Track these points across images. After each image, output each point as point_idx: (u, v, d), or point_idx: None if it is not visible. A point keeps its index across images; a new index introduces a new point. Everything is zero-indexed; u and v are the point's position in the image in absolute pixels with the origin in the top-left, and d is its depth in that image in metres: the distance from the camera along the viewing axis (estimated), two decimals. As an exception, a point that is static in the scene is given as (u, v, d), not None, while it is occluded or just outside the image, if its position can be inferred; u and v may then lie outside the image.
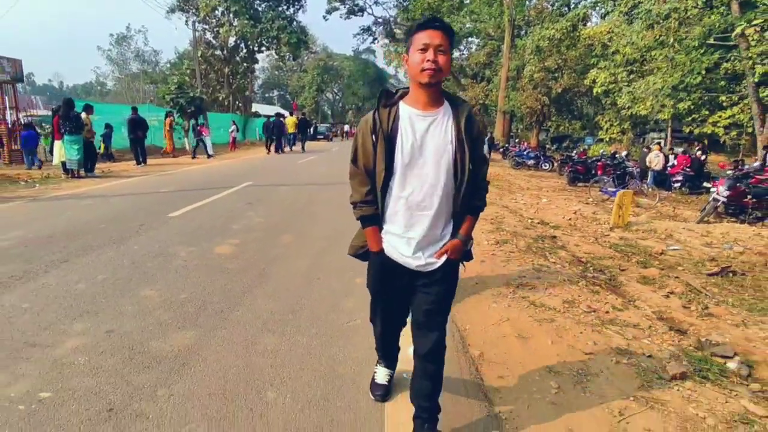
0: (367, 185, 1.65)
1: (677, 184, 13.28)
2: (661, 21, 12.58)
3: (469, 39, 36.30)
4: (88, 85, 68.22)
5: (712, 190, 9.36)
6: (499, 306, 3.32)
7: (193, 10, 29.19)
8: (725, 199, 8.39)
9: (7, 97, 15.11)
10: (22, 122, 12.18)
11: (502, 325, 3.01)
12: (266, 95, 51.31)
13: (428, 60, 1.48)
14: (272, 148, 19.37)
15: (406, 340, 1.96)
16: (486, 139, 2.05)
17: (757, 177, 8.83)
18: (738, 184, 8.57)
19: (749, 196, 8.29)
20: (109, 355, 2.32)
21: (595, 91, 19.04)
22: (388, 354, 2.04)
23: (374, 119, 1.58)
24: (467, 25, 34.02)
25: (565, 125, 33.38)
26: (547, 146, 27.79)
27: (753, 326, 3.44)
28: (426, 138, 1.55)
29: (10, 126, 13.27)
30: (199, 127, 17.10)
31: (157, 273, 3.56)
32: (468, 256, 1.76)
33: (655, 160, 14.19)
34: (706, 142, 16.57)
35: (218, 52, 29.87)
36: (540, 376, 2.39)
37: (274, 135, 19.02)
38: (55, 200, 6.59)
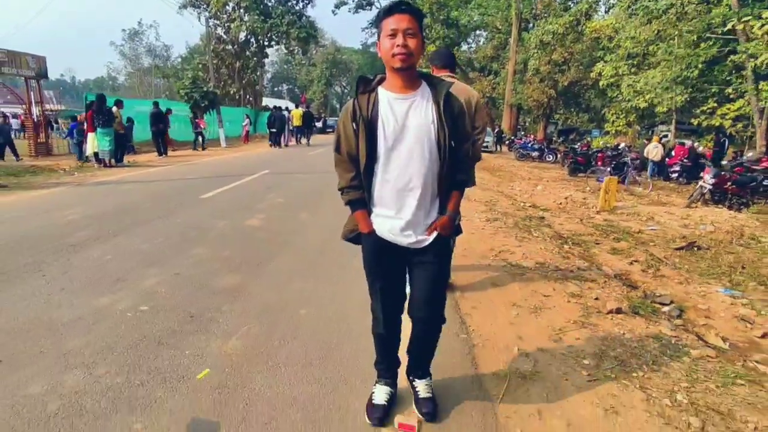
0: (352, 171, 1.70)
1: (674, 174, 13.84)
2: (660, 16, 13.08)
3: (477, 32, 36.75)
4: (99, 80, 69.53)
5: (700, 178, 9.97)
6: (480, 265, 4.07)
7: (205, 6, 30.01)
8: (711, 187, 9.01)
9: (32, 93, 16.10)
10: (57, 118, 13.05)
11: (481, 278, 3.76)
12: (275, 89, 52.25)
13: (398, 45, 1.51)
14: (281, 142, 19.32)
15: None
16: (495, 132, 2.42)
17: (741, 167, 9.41)
18: (723, 173, 9.19)
19: (732, 184, 8.90)
20: (181, 288, 3.13)
21: (601, 84, 19.52)
22: (387, 358, 1.97)
23: (354, 106, 1.63)
24: (475, 18, 34.49)
25: (573, 118, 33.84)
26: (554, 139, 28.30)
27: (696, 285, 4.17)
28: (407, 120, 1.60)
29: (35, 120, 14.23)
30: (196, 120, 17.28)
31: (202, 238, 4.38)
32: (457, 230, 1.85)
33: (653, 151, 14.74)
34: (730, 133, 16.82)
35: (229, 47, 30.67)
36: (504, 307, 3.15)
37: (275, 128, 18.86)
38: (97, 185, 7.48)
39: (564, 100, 29.51)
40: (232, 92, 30.82)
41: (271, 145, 18.56)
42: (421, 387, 1.96)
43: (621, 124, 23.43)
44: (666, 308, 3.53)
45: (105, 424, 1.77)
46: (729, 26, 10.85)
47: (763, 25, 9.27)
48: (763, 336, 3.17)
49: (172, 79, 39.14)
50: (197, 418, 1.81)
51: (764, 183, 9.14)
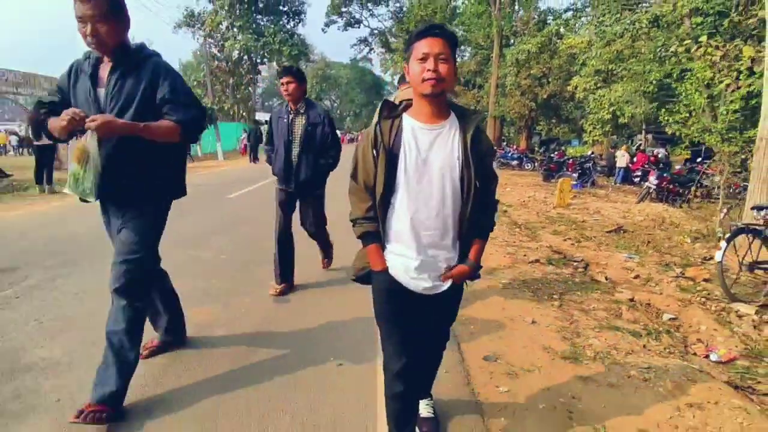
0: (367, 201, 1.60)
1: (637, 179, 15.67)
2: (616, 38, 15.02)
3: (462, 48, 39.02)
4: (88, 96, 70.50)
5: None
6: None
7: (199, 25, 31.75)
8: (655, 187, 10.76)
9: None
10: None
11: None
12: (266, 103, 54.00)
13: (428, 69, 1.44)
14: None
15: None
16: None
17: (679, 169, 11.21)
18: (664, 175, 10.97)
19: (673, 184, 10.67)
20: (239, 251, 4.65)
21: (577, 96, 21.51)
22: (405, 411, 1.74)
23: (375, 133, 1.54)
24: (459, 34, 36.78)
25: (555, 129, 36.03)
26: (536, 149, 30.31)
27: (605, 252, 5.79)
28: (431, 152, 1.52)
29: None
30: None
31: (240, 224, 5.93)
32: (475, 275, 1.70)
33: (620, 158, 16.65)
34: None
35: (223, 64, 32.36)
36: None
37: (250, 142, 18.72)
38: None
39: (544, 112, 31.61)
40: (226, 108, 32.40)
41: (251, 161, 18.23)
42: (423, 407, 1.97)
43: (597, 134, 25.49)
44: (575, 263, 5.14)
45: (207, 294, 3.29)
46: (672, 48, 12.77)
47: (700, 47, 11.14)
48: (636, 277, 4.78)
49: (165, 95, 40.51)
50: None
51: (701, 182, 10.93)
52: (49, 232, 5.37)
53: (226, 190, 8.83)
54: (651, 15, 14.37)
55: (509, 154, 21.63)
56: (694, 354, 3.14)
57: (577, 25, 23.16)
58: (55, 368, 2.34)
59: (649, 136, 27.94)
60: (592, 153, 20.36)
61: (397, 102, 1.64)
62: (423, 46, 1.45)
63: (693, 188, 9.82)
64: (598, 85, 17.99)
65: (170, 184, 2.22)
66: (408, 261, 1.58)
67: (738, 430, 2.12)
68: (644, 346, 3.06)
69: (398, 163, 1.51)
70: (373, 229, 1.61)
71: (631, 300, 3.99)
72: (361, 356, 2.61)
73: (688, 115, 8.25)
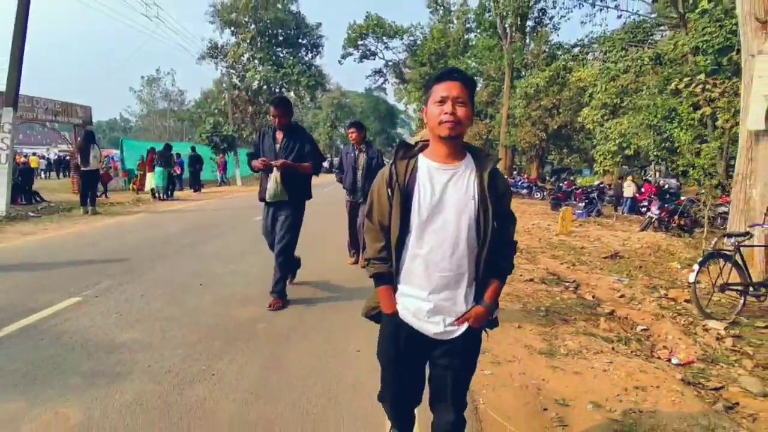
0: (381, 241, 1.62)
1: (644, 209, 16.17)
2: (620, 74, 15.88)
3: (474, 78, 40.44)
4: (112, 122, 73.67)
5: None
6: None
7: (222, 57, 33.72)
8: (656, 216, 11.32)
9: (79, 137, 18.93)
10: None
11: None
12: (282, 130, 55.92)
13: (446, 112, 1.47)
14: None
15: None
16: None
17: (681, 200, 11.77)
18: (666, 205, 11.53)
19: (674, 215, 11.22)
20: (269, 265, 5.39)
21: (586, 127, 22.31)
22: (401, 425, 1.88)
23: (391, 172, 1.56)
24: (472, 66, 38.25)
25: (566, 158, 36.75)
26: (547, 178, 30.97)
27: (597, 274, 6.39)
28: (446, 192, 1.52)
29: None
30: (175, 165, 15.40)
31: (260, 249, 6.67)
32: (493, 323, 1.66)
33: (627, 188, 17.24)
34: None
35: (243, 93, 34.09)
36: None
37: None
38: (166, 213, 9.88)
39: (555, 142, 32.41)
40: (245, 135, 33.91)
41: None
42: None
43: (607, 164, 26.15)
44: (567, 284, 5.77)
45: (248, 298, 4.00)
46: (672, 86, 13.54)
47: (698, 84, 11.88)
48: (621, 297, 5.37)
49: (186, 122, 42.81)
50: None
51: (687, 213, 11.46)
52: (102, 246, 6.20)
53: (251, 213, 9.67)
54: (653, 53, 15.25)
55: (519, 183, 22.32)
56: (658, 357, 3.74)
57: (586, 59, 24.20)
58: (140, 346, 3.08)
59: (662, 167, 28.44)
60: (601, 183, 21.02)
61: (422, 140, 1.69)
62: (441, 90, 1.50)
63: (676, 217, 10.38)
64: (606, 117, 18.78)
65: (307, 192, 4.23)
66: (420, 303, 1.56)
67: (670, 404, 2.74)
68: (613, 348, 3.67)
69: (413, 202, 1.52)
70: (385, 270, 1.62)
71: (611, 314, 4.60)
72: (374, 344, 3.28)
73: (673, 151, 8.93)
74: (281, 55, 33.91)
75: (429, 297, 1.55)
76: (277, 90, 34.85)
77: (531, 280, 5.46)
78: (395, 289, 1.64)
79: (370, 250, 1.65)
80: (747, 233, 5.27)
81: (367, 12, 37.89)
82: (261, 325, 3.58)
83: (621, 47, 17.71)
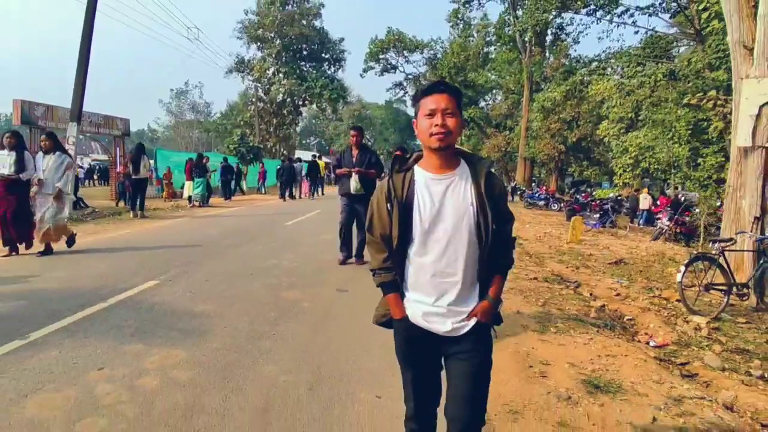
0: (384, 252, 1.70)
1: (658, 221, 16.61)
2: (635, 90, 16.47)
3: (493, 92, 41.26)
4: (140, 132, 76.75)
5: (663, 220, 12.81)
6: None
7: (248, 71, 35.36)
8: (667, 227, 11.85)
9: (118, 148, 20.41)
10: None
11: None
12: (303, 141, 57.63)
13: (436, 124, 1.53)
14: (287, 194, 18.15)
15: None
16: (511, 185, 2.65)
17: (689, 211, 12.28)
18: (676, 217, 12.06)
19: (683, 225, 11.74)
20: (305, 262, 6.27)
21: (605, 140, 22.80)
22: None
23: (389, 186, 1.63)
24: (492, 78, 39.08)
25: (587, 171, 37.02)
26: (566, 190, 31.35)
27: (598, 277, 7.07)
28: (444, 201, 1.59)
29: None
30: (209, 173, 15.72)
31: (299, 245, 7.59)
32: (497, 319, 1.74)
33: (643, 201, 17.70)
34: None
35: (268, 106, 35.63)
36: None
37: (290, 180, 18.18)
38: (205, 217, 10.96)
39: (575, 154, 32.81)
40: (269, 146, 35.37)
41: (282, 198, 17.41)
42: None
43: (627, 177, 26.49)
44: (569, 283, 6.48)
45: (295, 283, 4.87)
46: (685, 101, 14.08)
47: (709, 100, 12.46)
48: (617, 295, 6.06)
49: (212, 133, 44.79)
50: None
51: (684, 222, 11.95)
52: (159, 244, 7.21)
53: (282, 219, 10.69)
54: (666, 69, 15.82)
55: (536, 195, 22.88)
56: (638, 341, 4.45)
57: (605, 73, 24.77)
58: (214, 314, 3.98)
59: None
60: (619, 195, 21.38)
61: None
62: (430, 103, 1.56)
63: (677, 226, 10.92)
64: (622, 130, 19.29)
65: (373, 189, 5.47)
66: (426, 308, 1.64)
67: (632, 367, 3.47)
68: (598, 331, 4.40)
69: (413, 214, 1.58)
70: (391, 278, 1.70)
71: (602, 307, 5.31)
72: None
73: (672, 165, 9.53)
74: (305, 69, 35.37)
75: (437, 303, 1.63)
76: (300, 103, 36.31)
77: (535, 278, 6.21)
78: (402, 296, 1.71)
79: (374, 261, 1.74)
80: (731, 239, 5.92)
81: (389, 27, 39.21)
82: (305, 303, 4.45)
83: (636, 62, 18.31)
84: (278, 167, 19.13)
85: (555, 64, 31.96)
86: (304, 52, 35.64)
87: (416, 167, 1.65)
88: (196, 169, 12.95)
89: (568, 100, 22.21)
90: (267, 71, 34.70)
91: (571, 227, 10.54)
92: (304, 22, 34.45)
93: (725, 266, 5.69)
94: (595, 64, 22.73)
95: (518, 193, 28.99)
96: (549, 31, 29.12)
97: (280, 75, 34.66)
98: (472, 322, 1.64)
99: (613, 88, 17.18)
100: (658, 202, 17.60)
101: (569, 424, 2.62)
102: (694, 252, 7.30)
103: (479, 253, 1.60)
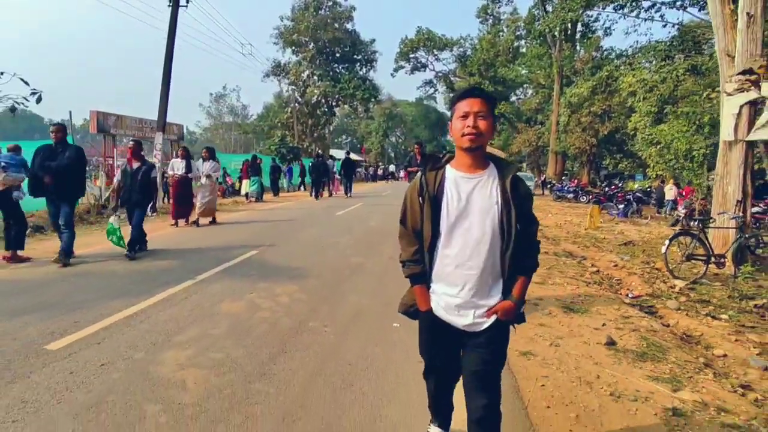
0: (415, 245, 1.87)
1: (676, 210, 17.53)
2: (658, 84, 17.42)
3: (524, 86, 42.06)
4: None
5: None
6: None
7: (284, 74, 37.68)
8: (683, 216, 12.97)
9: (175, 152, 22.94)
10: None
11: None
12: (335, 140, 59.97)
13: (469, 126, 1.70)
14: (324, 192, 18.27)
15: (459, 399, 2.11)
16: (542, 178, 3.34)
17: (703, 201, 13.33)
18: (692, 205, 13.15)
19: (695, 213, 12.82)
20: (359, 241, 8.04)
21: (631, 134, 23.62)
22: (441, 411, 2.17)
23: (421, 182, 1.82)
24: (522, 73, 39.94)
25: (621, 163, 37.39)
26: (598, 183, 32.03)
27: (603, 253, 8.50)
28: (471, 198, 1.75)
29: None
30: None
31: (352, 230, 9.38)
32: (520, 318, 1.86)
33: (668, 192, 18.62)
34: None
35: (303, 108, 37.86)
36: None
37: (321, 177, 17.76)
38: (265, 210, 13.01)
39: (607, 147, 33.36)
40: (305, 146, 37.60)
41: (315, 197, 17.19)
42: None
43: (659, 168, 27.04)
44: (575, 257, 7.98)
45: (349, 251, 6.62)
46: (704, 95, 15.03)
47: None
48: (615, 266, 7.51)
49: (250, 135, 47.74)
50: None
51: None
52: (240, 231, 9.17)
53: (332, 210, 12.63)
54: (687, 64, 16.73)
55: (565, 188, 23.97)
56: (619, 294, 5.96)
57: (632, 65, 25.44)
58: (308, 270, 5.80)
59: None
60: (649, 187, 22.22)
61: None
62: (464, 106, 1.74)
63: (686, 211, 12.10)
64: (648, 124, 20.18)
65: None
66: (450, 299, 1.81)
67: (603, 304, 5.02)
68: (587, 285, 5.94)
69: (442, 208, 1.76)
70: (420, 270, 1.87)
71: (597, 271, 6.82)
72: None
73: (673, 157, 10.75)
74: (338, 71, 37.38)
75: (459, 294, 1.79)
76: (334, 104, 38.37)
77: (546, 252, 7.74)
78: (428, 287, 1.88)
79: (405, 253, 1.90)
80: (710, 218, 7.28)
81: (418, 26, 40.82)
82: (367, 266, 6.23)
83: (662, 57, 19.16)
84: (310, 165, 18.78)
85: (586, 57, 32.62)
86: (337, 55, 37.64)
87: (448, 166, 1.83)
88: (251, 169, 15.03)
89: (596, 95, 23.13)
90: (302, 74, 36.89)
91: (589, 215, 11.89)
92: (337, 25, 36.44)
93: (705, 240, 7.06)
94: (622, 59, 23.55)
95: (548, 186, 30.00)
96: (578, 25, 29.88)
97: (315, 77, 36.78)
98: (492, 319, 1.79)
99: (637, 83, 18.17)
100: (683, 193, 18.48)
101: (546, 325, 4.24)
102: (677, 229, 8.60)
103: (502, 249, 1.75)
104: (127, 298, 4.41)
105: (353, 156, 30.19)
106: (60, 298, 4.40)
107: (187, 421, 2.44)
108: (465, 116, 1.73)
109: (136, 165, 6.74)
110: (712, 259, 7.00)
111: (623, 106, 28.79)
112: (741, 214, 7.30)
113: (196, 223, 9.66)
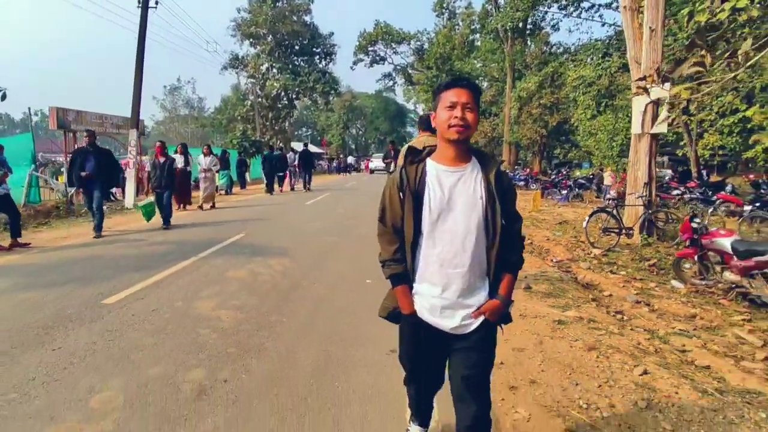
0: (395, 243, 1.78)
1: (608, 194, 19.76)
2: (595, 81, 19.46)
3: (479, 79, 44.10)
4: (129, 128, 78.25)
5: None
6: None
7: (242, 67, 37.82)
8: (613, 198, 14.94)
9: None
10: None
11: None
12: (296, 133, 60.22)
13: (456, 116, 1.64)
14: (284, 186, 18.11)
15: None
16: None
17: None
18: (622, 190, 15.16)
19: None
20: (333, 225, 9.21)
21: (580, 126, 25.91)
22: (421, 413, 2.12)
23: (401, 176, 1.72)
24: (477, 66, 41.89)
25: (570, 153, 40.24)
26: (549, 171, 34.50)
27: (540, 231, 10.10)
28: (454, 193, 1.68)
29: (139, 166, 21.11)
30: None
31: (323, 215, 10.53)
32: (506, 318, 1.81)
33: (607, 178, 20.83)
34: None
35: (263, 101, 38.18)
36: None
37: (275, 171, 17.24)
38: (240, 201, 13.89)
39: (557, 137, 35.91)
40: (266, 139, 38.00)
41: (268, 192, 16.84)
42: None
43: (600, 157, 29.49)
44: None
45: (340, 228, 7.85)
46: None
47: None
48: (547, 240, 9.09)
49: (207, 128, 47.28)
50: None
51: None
52: (225, 217, 10.13)
53: (298, 203, 13.75)
54: (620, 63, 18.80)
55: (517, 176, 25.99)
56: (545, 260, 7.47)
57: (578, 61, 27.72)
58: (293, 249, 6.94)
59: (665, 159, 31.77)
60: (592, 175, 24.48)
61: (420, 147, 1.84)
62: (451, 96, 1.68)
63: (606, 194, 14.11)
64: (588, 117, 22.35)
65: None
66: (435, 300, 1.73)
67: (528, 266, 6.49)
68: (521, 253, 7.42)
69: (423, 204, 1.68)
70: (401, 270, 1.78)
71: (530, 243, 8.35)
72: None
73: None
74: (297, 64, 37.88)
75: (444, 294, 1.73)
76: (294, 96, 38.92)
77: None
78: (411, 288, 1.80)
79: (385, 252, 1.82)
80: (620, 198, 8.98)
81: (376, 20, 41.84)
82: (343, 243, 7.47)
83: (601, 54, 21.28)
84: (261, 157, 17.79)
85: (536, 52, 34.85)
86: (296, 48, 38.11)
87: (428, 160, 1.76)
88: (221, 162, 15.79)
89: (543, 89, 25.16)
90: (261, 67, 37.17)
91: (532, 199, 13.58)
92: (295, 18, 36.89)
93: (617, 216, 8.75)
94: (566, 56, 25.68)
95: (503, 175, 32.08)
96: (528, 21, 31.96)
97: (274, 70, 37.16)
98: (480, 320, 1.74)
99: (577, 78, 20.16)
100: (619, 179, 20.77)
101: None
102: (595, 207, 10.34)
103: (487, 246, 1.70)
104: (145, 272, 5.44)
105: (312, 148, 30.95)
106: (88, 273, 5.38)
107: (231, 334, 3.63)
108: (452, 107, 1.68)
109: (161, 159, 8.99)
110: (623, 231, 8.70)
111: (569, 99, 31.33)
112: (647, 194, 9.05)
113: (200, 207, 11.90)
